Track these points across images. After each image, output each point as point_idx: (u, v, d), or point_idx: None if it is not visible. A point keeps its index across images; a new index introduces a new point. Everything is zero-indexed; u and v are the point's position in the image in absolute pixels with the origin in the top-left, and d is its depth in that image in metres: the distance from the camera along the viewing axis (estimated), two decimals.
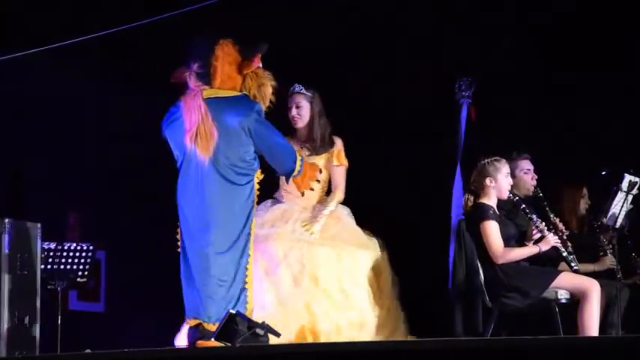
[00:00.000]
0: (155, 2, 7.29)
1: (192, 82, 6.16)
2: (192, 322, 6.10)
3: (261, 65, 6.30)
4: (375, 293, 6.65)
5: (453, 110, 7.40)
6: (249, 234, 6.10)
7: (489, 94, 7.54)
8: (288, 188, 6.77)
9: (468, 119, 7.37)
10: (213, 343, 5.85)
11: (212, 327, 5.98)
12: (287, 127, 6.84)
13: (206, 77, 6.14)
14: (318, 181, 6.56)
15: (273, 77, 6.31)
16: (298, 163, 6.28)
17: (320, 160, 6.83)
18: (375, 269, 6.71)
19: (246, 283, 6.05)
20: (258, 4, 8.02)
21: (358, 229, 6.83)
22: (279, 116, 6.60)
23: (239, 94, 6.18)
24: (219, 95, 6.13)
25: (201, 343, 5.98)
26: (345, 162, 6.93)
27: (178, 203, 6.19)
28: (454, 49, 7.89)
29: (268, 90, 6.27)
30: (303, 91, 6.88)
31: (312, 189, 6.50)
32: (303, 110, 6.86)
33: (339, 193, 6.87)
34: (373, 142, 7.90)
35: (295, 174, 6.28)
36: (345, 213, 6.87)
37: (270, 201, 6.86)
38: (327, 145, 6.88)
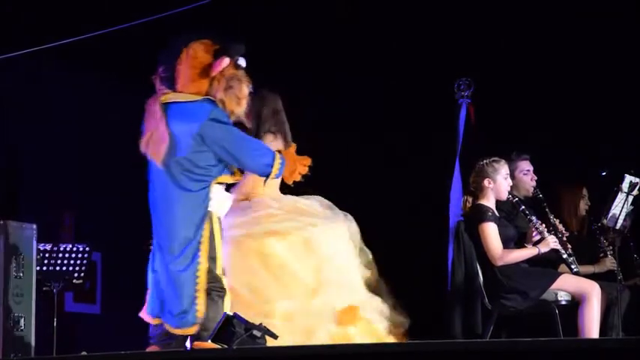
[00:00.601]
0: (149, 2, 7.28)
1: (157, 85, 6.05)
2: (156, 321, 6.05)
3: (243, 66, 6.07)
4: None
5: (452, 110, 7.39)
6: (199, 242, 5.95)
7: (489, 94, 7.55)
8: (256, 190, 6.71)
9: (466, 119, 7.36)
10: (209, 344, 5.80)
11: (174, 330, 5.95)
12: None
13: (169, 81, 6.01)
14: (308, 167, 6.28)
15: (246, 79, 6.05)
16: (276, 167, 6.05)
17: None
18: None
19: (196, 291, 5.94)
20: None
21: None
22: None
23: (199, 98, 5.98)
24: (178, 100, 5.98)
25: (197, 344, 5.93)
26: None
27: (150, 211, 6.13)
28: (453, 49, 7.91)
29: (241, 91, 6.03)
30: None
31: (303, 180, 6.24)
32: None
33: None
34: (372, 142, 7.89)
35: (273, 176, 6.11)
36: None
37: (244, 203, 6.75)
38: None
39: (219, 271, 5.99)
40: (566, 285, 6.75)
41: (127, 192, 8.33)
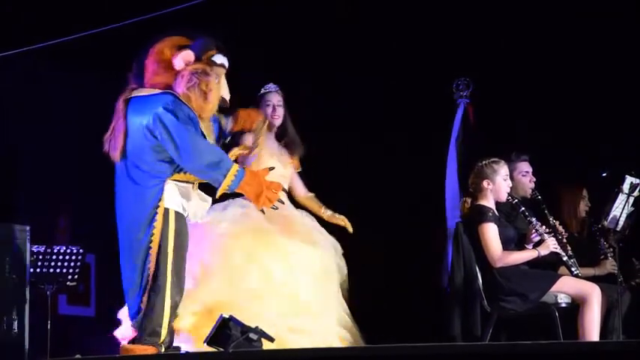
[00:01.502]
0: (144, 1, 7.26)
1: (129, 82, 6.01)
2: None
3: (217, 62, 5.91)
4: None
5: (452, 110, 7.38)
6: (150, 240, 5.85)
7: (489, 94, 7.55)
8: None
9: (464, 119, 7.34)
10: (138, 347, 5.79)
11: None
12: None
13: (138, 77, 5.95)
14: (282, 202, 6.09)
15: (215, 73, 5.89)
16: (229, 177, 5.75)
17: (294, 162, 6.80)
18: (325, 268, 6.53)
19: (144, 285, 5.87)
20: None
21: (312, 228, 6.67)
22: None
23: (159, 91, 5.87)
24: (142, 94, 5.91)
25: (125, 348, 5.89)
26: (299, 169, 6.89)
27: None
28: (454, 49, 7.91)
29: (207, 85, 5.85)
30: (279, 90, 6.81)
31: (275, 208, 5.95)
32: (281, 109, 6.78)
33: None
34: (372, 142, 7.90)
35: (227, 189, 5.82)
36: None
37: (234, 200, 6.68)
38: (297, 148, 6.82)
39: (169, 269, 5.86)
40: (566, 287, 6.71)
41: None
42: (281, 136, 6.80)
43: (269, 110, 6.75)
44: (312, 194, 6.85)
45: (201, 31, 6.06)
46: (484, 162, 6.91)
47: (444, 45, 7.97)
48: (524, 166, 7.23)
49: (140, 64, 5.93)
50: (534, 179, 7.21)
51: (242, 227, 6.45)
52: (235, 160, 6.11)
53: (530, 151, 7.28)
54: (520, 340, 6.27)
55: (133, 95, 5.91)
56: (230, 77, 6.06)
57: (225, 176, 5.74)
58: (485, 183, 6.87)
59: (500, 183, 6.88)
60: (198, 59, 5.87)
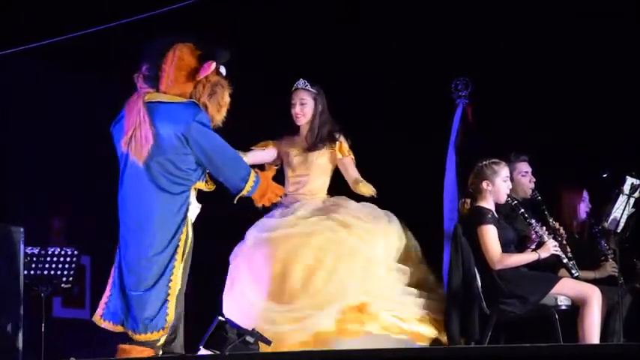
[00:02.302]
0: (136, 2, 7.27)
1: (140, 83, 6.03)
2: (118, 329, 5.99)
3: (224, 73, 6.11)
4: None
5: (453, 110, 7.37)
6: (177, 245, 5.91)
7: (488, 94, 7.53)
8: (292, 189, 6.77)
9: (463, 119, 7.32)
10: (136, 348, 5.79)
11: (137, 336, 5.89)
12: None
13: (153, 80, 5.98)
14: (280, 197, 6.31)
15: (228, 86, 6.09)
16: (249, 183, 6.04)
17: (322, 157, 6.81)
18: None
19: (168, 295, 5.90)
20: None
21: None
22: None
23: (184, 100, 5.98)
24: (162, 100, 5.96)
25: (122, 349, 5.88)
26: (350, 154, 6.87)
27: (119, 210, 6.07)
28: (454, 49, 7.91)
29: (223, 98, 6.07)
30: (308, 87, 6.84)
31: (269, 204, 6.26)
32: (306, 107, 6.82)
33: (362, 184, 6.78)
34: (371, 142, 7.91)
35: (245, 194, 6.07)
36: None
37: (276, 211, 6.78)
38: (327, 142, 6.82)
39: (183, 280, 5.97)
40: (566, 289, 6.69)
41: (117, 195, 8.28)
42: (310, 134, 6.79)
43: (293, 109, 6.79)
44: (358, 178, 6.84)
45: (203, 33, 6.12)
46: (484, 163, 6.88)
47: (444, 45, 7.97)
48: (524, 167, 7.20)
49: (154, 67, 5.96)
50: (534, 179, 7.20)
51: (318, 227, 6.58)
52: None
53: (530, 151, 7.27)
54: (519, 342, 6.32)
55: (153, 100, 5.94)
56: (230, 77, 6.14)
57: (246, 183, 6.01)
58: (484, 184, 6.84)
59: (500, 184, 6.85)
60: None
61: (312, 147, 6.79)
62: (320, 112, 6.81)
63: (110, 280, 6.06)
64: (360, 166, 6.94)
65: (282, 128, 6.85)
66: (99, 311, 6.04)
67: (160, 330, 5.87)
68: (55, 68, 8.27)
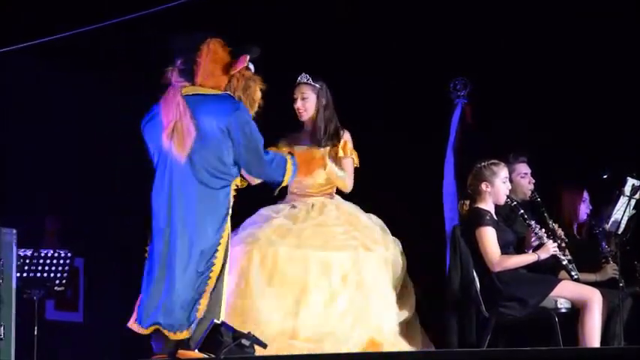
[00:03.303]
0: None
1: (174, 78, 5.98)
2: (149, 330, 5.87)
3: (252, 70, 6.13)
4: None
5: (452, 111, 7.35)
6: (218, 242, 5.86)
7: (488, 94, 7.54)
8: (295, 189, 6.67)
9: (461, 120, 7.29)
10: (195, 354, 5.69)
11: (174, 335, 5.79)
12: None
13: (188, 74, 5.96)
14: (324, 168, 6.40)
15: (262, 81, 6.11)
16: (288, 175, 6.06)
17: (326, 155, 6.66)
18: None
19: (204, 291, 5.83)
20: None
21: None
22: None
23: (222, 92, 5.98)
24: (200, 92, 5.94)
25: (182, 354, 5.77)
26: (353, 154, 6.76)
27: (152, 204, 5.99)
28: (454, 49, 7.90)
29: (256, 93, 6.08)
30: (310, 81, 6.73)
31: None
32: (308, 102, 6.70)
33: (348, 180, 6.69)
34: (371, 142, 7.90)
35: (284, 184, 6.12)
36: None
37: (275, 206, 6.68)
38: (331, 138, 6.71)
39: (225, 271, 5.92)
40: (566, 292, 6.66)
41: (111, 196, 8.27)
42: (316, 130, 6.67)
43: (295, 103, 6.71)
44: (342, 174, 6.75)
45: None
46: (483, 164, 6.85)
47: (444, 45, 7.97)
48: (523, 168, 7.17)
49: (189, 60, 5.93)
50: (533, 181, 7.17)
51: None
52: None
53: (530, 151, 7.25)
54: (519, 346, 6.35)
55: (191, 93, 5.92)
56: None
57: (284, 175, 6.02)
58: (483, 185, 6.81)
59: (499, 186, 6.81)
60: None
61: (317, 143, 6.66)
62: (324, 107, 6.69)
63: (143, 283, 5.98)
64: (360, 165, 6.89)
65: (282, 127, 6.79)
66: (133, 317, 5.95)
67: (188, 327, 5.76)
68: (55, 68, 8.29)
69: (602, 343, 6.64)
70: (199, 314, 5.77)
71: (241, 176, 6.03)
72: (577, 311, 6.61)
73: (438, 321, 6.85)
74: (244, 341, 5.67)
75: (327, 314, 6.25)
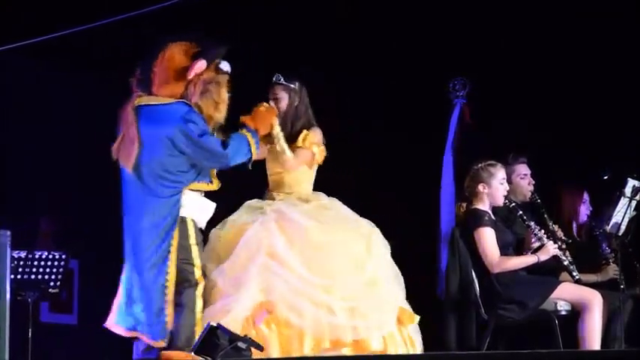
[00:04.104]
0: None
1: (133, 88, 5.97)
2: (132, 334, 5.91)
3: (226, 70, 5.99)
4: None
5: (448, 111, 7.35)
6: (168, 251, 5.85)
7: (487, 95, 7.50)
8: (273, 190, 6.57)
9: (460, 120, 7.27)
10: (178, 354, 5.74)
11: (151, 342, 5.83)
12: None
13: (146, 83, 5.92)
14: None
15: (229, 81, 5.99)
16: (253, 147, 6.01)
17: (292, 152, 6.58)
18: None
19: (165, 302, 5.84)
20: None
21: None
22: None
23: (172, 101, 5.88)
24: (151, 103, 5.90)
25: (165, 355, 5.81)
26: (315, 148, 6.56)
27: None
28: (454, 49, 7.93)
29: (220, 95, 5.94)
30: (282, 81, 6.61)
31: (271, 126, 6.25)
32: (280, 103, 6.60)
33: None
34: (371, 142, 7.87)
35: (255, 157, 6.06)
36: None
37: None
38: (297, 135, 6.55)
39: (197, 276, 5.89)
40: (566, 294, 6.65)
41: (107, 197, 8.22)
42: (283, 127, 6.50)
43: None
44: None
45: (203, 33, 6.06)
46: (480, 165, 6.85)
47: (444, 45, 7.99)
48: (523, 169, 7.15)
49: (146, 70, 5.90)
50: (533, 182, 7.15)
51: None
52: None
53: (530, 152, 7.24)
54: (518, 348, 6.38)
55: (142, 103, 5.88)
56: (230, 78, 6.08)
57: (249, 150, 5.99)
58: (480, 187, 6.80)
59: (497, 187, 6.80)
60: (207, 67, 5.93)
61: (286, 141, 6.52)
62: (296, 107, 6.54)
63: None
64: (360, 165, 6.86)
65: None
66: (111, 317, 5.99)
67: (161, 340, 5.80)
68: (55, 68, 8.30)
69: (602, 345, 6.63)
70: (168, 325, 5.80)
71: (214, 179, 6.00)
72: (577, 313, 6.60)
73: (436, 322, 6.82)
74: (240, 344, 5.63)
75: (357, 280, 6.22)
